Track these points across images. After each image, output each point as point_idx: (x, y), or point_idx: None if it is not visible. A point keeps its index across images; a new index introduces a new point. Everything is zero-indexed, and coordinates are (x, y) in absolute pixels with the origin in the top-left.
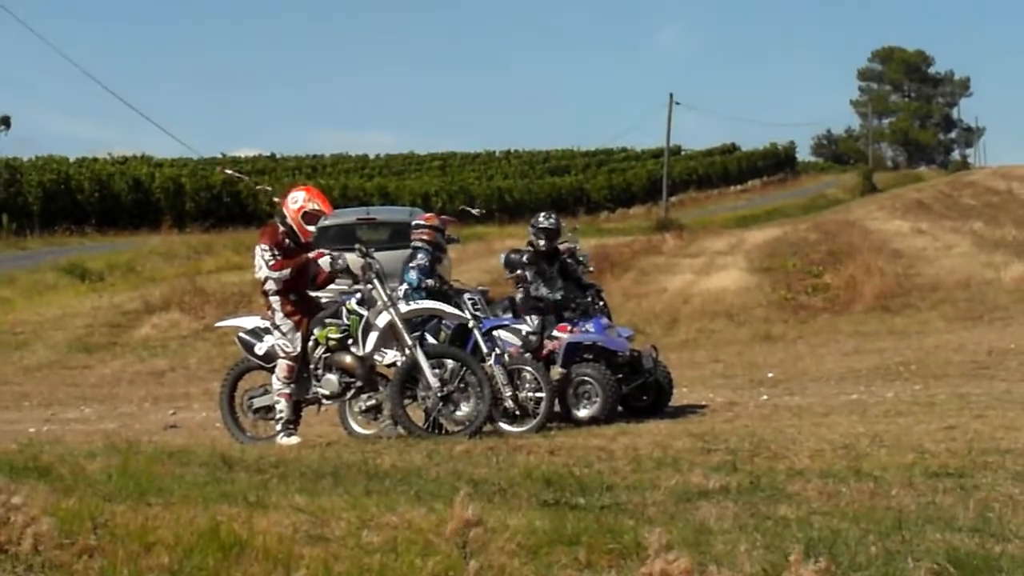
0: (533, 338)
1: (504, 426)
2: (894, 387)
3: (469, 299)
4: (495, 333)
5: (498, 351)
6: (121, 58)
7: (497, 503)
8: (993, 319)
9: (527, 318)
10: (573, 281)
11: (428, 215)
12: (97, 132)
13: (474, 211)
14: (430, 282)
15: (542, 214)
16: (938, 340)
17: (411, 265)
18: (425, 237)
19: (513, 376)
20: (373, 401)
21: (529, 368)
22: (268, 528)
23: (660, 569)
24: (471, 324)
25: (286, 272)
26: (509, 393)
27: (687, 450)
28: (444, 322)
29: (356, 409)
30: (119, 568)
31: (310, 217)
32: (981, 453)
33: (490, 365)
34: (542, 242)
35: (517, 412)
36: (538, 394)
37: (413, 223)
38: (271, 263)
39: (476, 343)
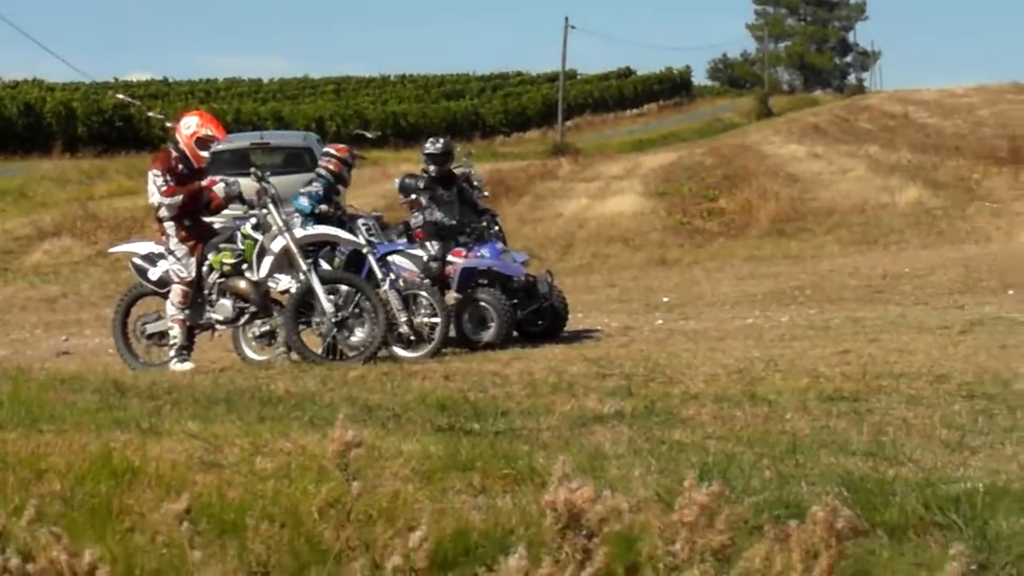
0: (434, 264)
1: (399, 351)
2: (789, 311)
3: (363, 224)
4: (390, 258)
5: (393, 276)
6: None
7: (391, 429)
8: (888, 243)
9: (427, 244)
10: (469, 206)
11: (340, 146)
12: None
13: (368, 134)
14: (324, 207)
15: (430, 140)
16: (833, 264)
17: (302, 191)
18: (331, 167)
19: (408, 301)
20: (267, 327)
21: (424, 293)
22: (161, 455)
23: (564, 499)
24: (365, 250)
25: (178, 198)
26: (404, 318)
27: (582, 375)
28: (338, 248)
29: (250, 335)
30: (10, 495)
31: (203, 142)
32: (875, 377)
33: (385, 291)
34: (432, 167)
35: (412, 337)
36: (433, 319)
37: (323, 151)
38: (163, 189)
39: (371, 269)
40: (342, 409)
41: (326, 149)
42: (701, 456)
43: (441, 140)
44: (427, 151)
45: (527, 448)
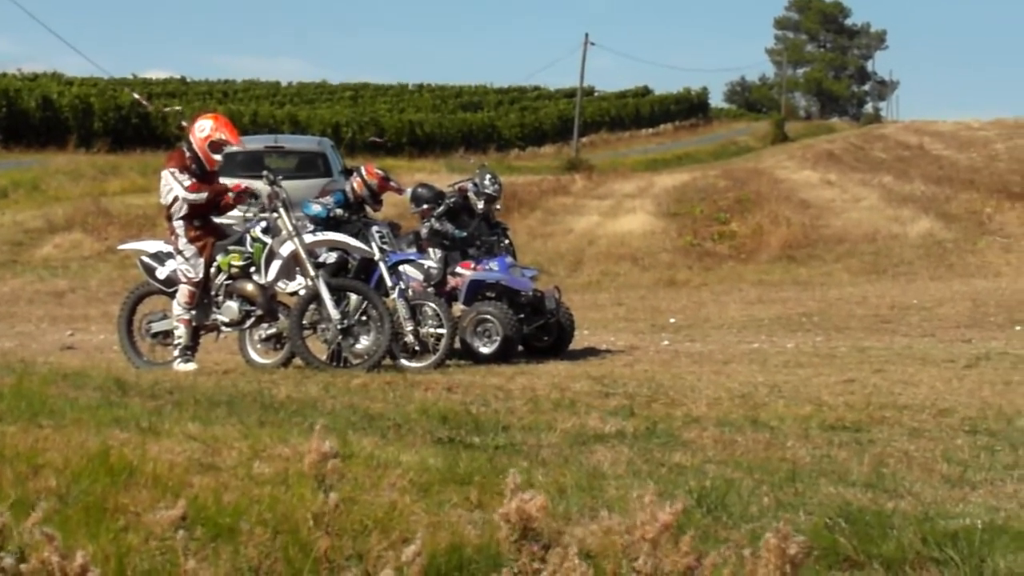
0: (435, 271)
1: (403, 361)
2: (795, 338)
3: (377, 232)
4: (400, 268)
5: (402, 285)
6: None
7: (391, 439)
8: (897, 274)
9: (430, 251)
10: (482, 219)
11: (374, 171)
12: (5, 47)
13: (380, 139)
14: (340, 212)
15: (488, 176)
16: (841, 292)
17: (316, 200)
18: (355, 186)
19: (415, 311)
20: (273, 330)
21: (431, 304)
22: (159, 455)
23: (516, 508)
24: (377, 257)
25: (203, 195)
26: (410, 328)
27: (585, 393)
28: (351, 254)
29: (256, 338)
30: (6, 490)
31: (216, 146)
32: (879, 408)
33: (393, 299)
34: (480, 204)
35: (417, 347)
36: (439, 330)
37: (358, 169)
38: (187, 184)
39: (381, 277)
40: (354, 420)
41: (360, 168)
42: (700, 480)
43: (498, 181)
44: (486, 190)
45: (526, 464)
